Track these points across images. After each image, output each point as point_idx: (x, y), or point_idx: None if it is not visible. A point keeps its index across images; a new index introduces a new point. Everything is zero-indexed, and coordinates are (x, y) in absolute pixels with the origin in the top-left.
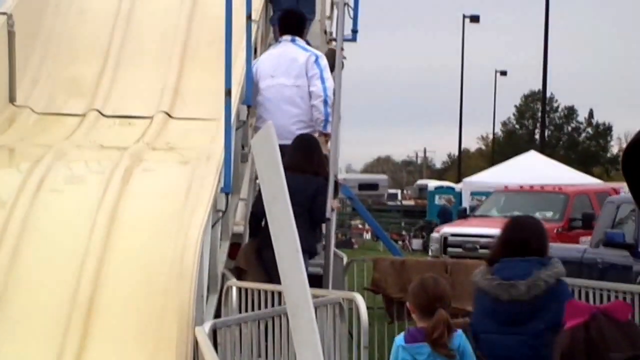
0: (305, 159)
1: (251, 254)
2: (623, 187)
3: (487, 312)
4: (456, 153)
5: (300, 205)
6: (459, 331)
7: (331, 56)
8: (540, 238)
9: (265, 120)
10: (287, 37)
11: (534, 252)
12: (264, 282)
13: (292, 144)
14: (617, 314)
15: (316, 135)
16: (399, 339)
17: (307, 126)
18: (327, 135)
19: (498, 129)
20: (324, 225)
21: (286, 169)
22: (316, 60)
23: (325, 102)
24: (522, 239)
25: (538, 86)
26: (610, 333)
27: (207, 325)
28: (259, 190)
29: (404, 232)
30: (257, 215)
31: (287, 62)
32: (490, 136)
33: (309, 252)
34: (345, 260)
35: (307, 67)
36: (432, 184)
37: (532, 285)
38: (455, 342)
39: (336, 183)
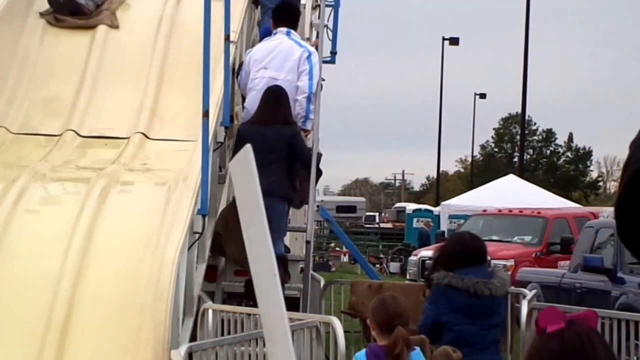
0: (273, 110)
1: (231, 217)
2: (602, 211)
3: (460, 307)
4: (435, 176)
5: (274, 153)
6: (417, 349)
7: None
8: (485, 249)
9: (250, 111)
10: (283, 30)
11: (484, 260)
12: (242, 245)
13: (261, 97)
14: (589, 322)
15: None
16: (360, 355)
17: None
18: (306, 132)
19: (477, 152)
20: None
21: (257, 122)
22: (309, 57)
23: (308, 98)
24: (475, 249)
25: (517, 109)
26: (595, 338)
27: (183, 349)
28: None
29: (381, 255)
30: None
31: (281, 55)
32: (469, 159)
33: (287, 198)
34: (322, 283)
35: (300, 63)
36: (411, 206)
37: (501, 285)
38: (413, 359)
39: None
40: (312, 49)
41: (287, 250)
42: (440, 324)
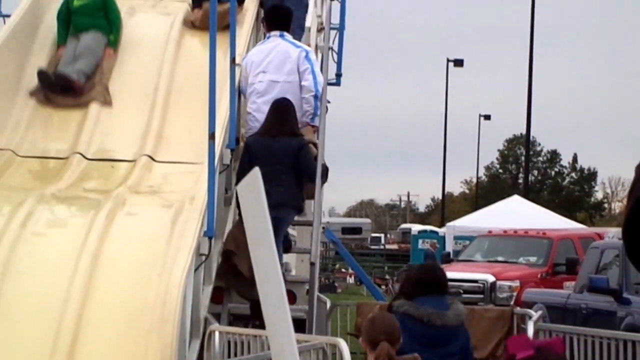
0: (281, 122)
1: (240, 236)
2: (607, 232)
3: (416, 335)
4: (440, 197)
5: (283, 164)
6: None
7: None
8: (446, 280)
9: (256, 117)
10: (276, 33)
11: (444, 291)
12: None
13: (269, 110)
14: (557, 349)
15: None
16: None
17: (298, 121)
18: (314, 127)
19: (482, 173)
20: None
21: (265, 134)
22: (307, 56)
23: (315, 96)
24: (436, 279)
25: (521, 130)
26: None
27: None
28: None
29: (387, 277)
30: None
31: (278, 58)
32: (474, 180)
33: (297, 208)
34: (328, 304)
35: (299, 63)
36: (416, 228)
37: (456, 315)
38: None
39: (325, 167)
40: (308, 48)
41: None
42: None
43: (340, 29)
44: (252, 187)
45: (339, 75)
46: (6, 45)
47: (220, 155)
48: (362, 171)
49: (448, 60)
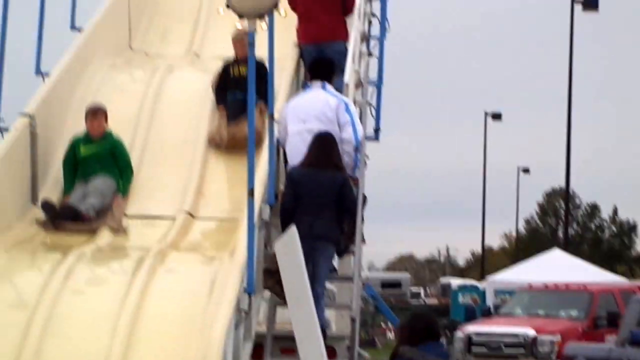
0: (325, 155)
1: None
2: None
3: None
4: (479, 251)
5: (327, 198)
6: None
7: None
8: (438, 325)
9: (291, 155)
10: (318, 83)
11: (439, 336)
12: None
13: (312, 142)
14: None
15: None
16: None
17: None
18: (355, 180)
19: (521, 227)
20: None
21: (309, 165)
22: (346, 108)
23: (356, 148)
24: (430, 325)
25: (561, 183)
26: None
27: None
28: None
29: None
30: (286, 212)
31: (318, 108)
32: (514, 234)
33: (335, 242)
34: None
35: (338, 114)
36: (456, 282)
37: None
38: None
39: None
40: (347, 99)
41: (335, 270)
42: None
43: (378, 84)
44: (290, 247)
45: (377, 130)
46: (45, 104)
47: (259, 212)
48: (401, 225)
49: (486, 114)
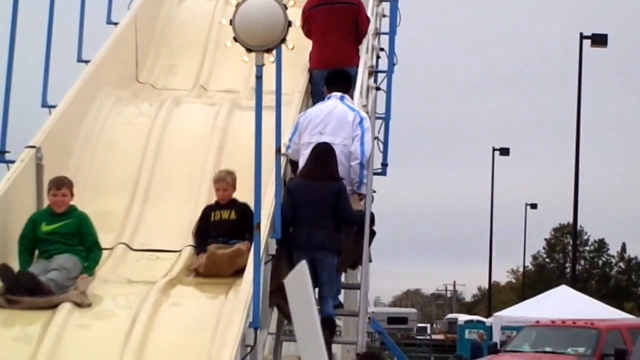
0: (321, 167)
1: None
2: None
3: None
4: (486, 286)
5: (324, 209)
6: None
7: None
8: None
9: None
10: (337, 94)
11: None
12: None
13: (309, 153)
14: None
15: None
16: None
17: (347, 183)
18: (361, 195)
19: (528, 263)
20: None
21: (305, 177)
22: (361, 122)
23: (361, 164)
24: None
25: (568, 219)
26: None
27: None
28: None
29: None
30: (284, 223)
31: (337, 120)
32: (521, 270)
33: (336, 252)
34: None
35: (353, 128)
36: (462, 318)
37: None
38: None
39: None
40: (364, 114)
41: (341, 305)
42: None
43: (386, 118)
44: (300, 282)
45: (385, 164)
46: (51, 136)
47: (265, 245)
48: (408, 260)
49: (494, 149)
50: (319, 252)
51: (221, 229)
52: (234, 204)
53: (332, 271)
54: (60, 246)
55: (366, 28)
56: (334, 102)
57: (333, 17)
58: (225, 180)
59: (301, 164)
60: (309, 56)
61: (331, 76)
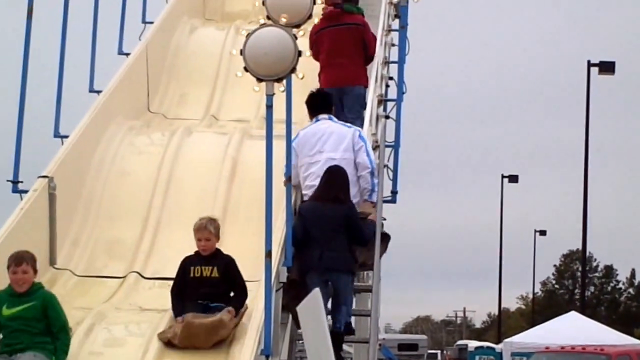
0: (330, 189)
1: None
2: None
3: None
4: (496, 313)
5: (334, 230)
6: None
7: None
8: None
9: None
10: (324, 116)
11: None
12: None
13: (322, 176)
14: None
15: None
16: None
17: (353, 195)
18: (373, 203)
19: (538, 289)
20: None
21: (316, 199)
22: (360, 135)
23: (372, 173)
24: None
25: (577, 245)
26: None
27: None
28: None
29: None
30: (295, 244)
31: (334, 137)
32: (530, 296)
33: (349, 272)
34: None
35: (354, 141)
36: (472, 344)
37: None
38: None
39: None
40: (359, 128)
41: (352, 331)
42: None
43: (396, 146)
44: (313, 311)
45: (395, 192)
46: (64, 166)
47: (276, 273)
48: (418, 287)
49: (503, 176)
50: (332, 274)
51: (201, 288)
52: (217, 257)
53: (346, 287)
54: (24, 338)
55: (374, 47)
56: (324, 122)
57: (340, 38)
58: (207, 230)
59: (302, 184)
60: (318, 77)
61: (313, 100)
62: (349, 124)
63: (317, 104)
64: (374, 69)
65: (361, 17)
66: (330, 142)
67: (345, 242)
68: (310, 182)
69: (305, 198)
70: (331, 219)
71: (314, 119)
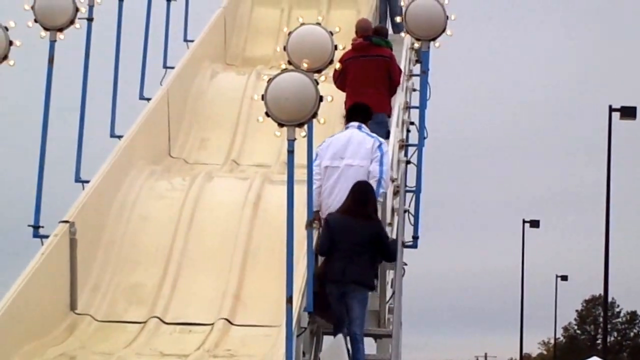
0: (361, 205)
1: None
2: None
3: None
4: (517, 358)
5: (361, 245)
6: None
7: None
8: None
9: (329, 194)
10: (354, 124)
11: None
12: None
13: (350, 191)
14: None
15: None
16: None
17: None
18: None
19: (559, 334)
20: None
21: (345, 212)
22: (379, 146)
23: (379, 182)
24: None
25: (599, 291)
26: None
27: None
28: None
29: None
30: (322, 255)
31: (355, 145)
32: (552, 341)
33: (369, 287)
34: None
35: (372, 151)
36: None
37: None
38: None
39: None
40: (382, 140)
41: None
42: None
43: (417, 192)
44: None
45: (416, 237)
46: (84, 210)
47: (297, 319)
48: (439, 332)
49: (524, 221)
50: (353, 286)
51: None
52: None
53: (363, 303)
54: None
55: (399, 78)
56: (351, 131)
57: (366, 68)
58: None
59: (323, 187)
60: (344, 106)
61: (351, 109)
62: (374, 134)
63: (352, 114)
64: (395, 115)
65: (389, 50)
66: (350, 149)
67: (370, 258)
68: (328, 187)
69: (324, 205)
70: (360, 234)
71: (345, 127)
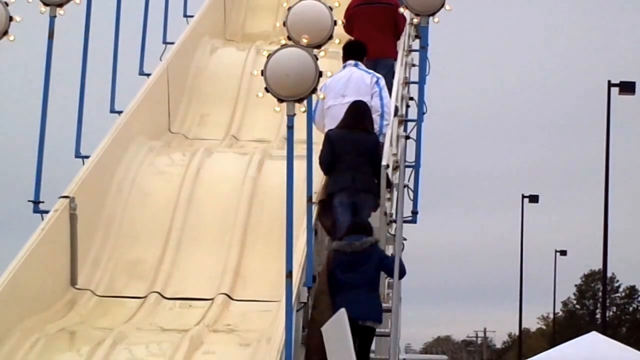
0: (357, 120)
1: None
2: None
3: None
4: (517, 333)
5: (363, 156)
6: None
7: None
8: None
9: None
10: (351, 62)
11: None
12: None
13: (347, 109)
14: None
15: None
16: None
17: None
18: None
19: (559, 309)
20: None
21: (343, 127)
22: (377, 81)
23: (381, 115)
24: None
25: (598, 266)
26: None
27: None
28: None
29: None
30: (325, 164)
31: (355, 83)
32: (551, 316)
33: (375, 194)
34: None
35: (371, 86)
36: None
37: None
38: None
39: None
40: (379, 75)
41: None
42: None
43: (416, 167)
44: (338, 330)
45: (415, 212)
46: (84, 186)
47: (297, 294)
48: (438, 307)
49: (523, 196)
50: (363, 194)
51: None
52: None
53: (371, 207)
54: None
55: (403, 25)
56: (350, 69)
57: (374, 15)
58: None
59: (328, 122)
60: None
61: (347, 47)
62: (371, 71)
63: (348, 51)
64: (395, 90)
65: None
66: (351, 86)
67: (372, 168)
68: (330, 121)
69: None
70: (361, 145)
71: (342, 66)
